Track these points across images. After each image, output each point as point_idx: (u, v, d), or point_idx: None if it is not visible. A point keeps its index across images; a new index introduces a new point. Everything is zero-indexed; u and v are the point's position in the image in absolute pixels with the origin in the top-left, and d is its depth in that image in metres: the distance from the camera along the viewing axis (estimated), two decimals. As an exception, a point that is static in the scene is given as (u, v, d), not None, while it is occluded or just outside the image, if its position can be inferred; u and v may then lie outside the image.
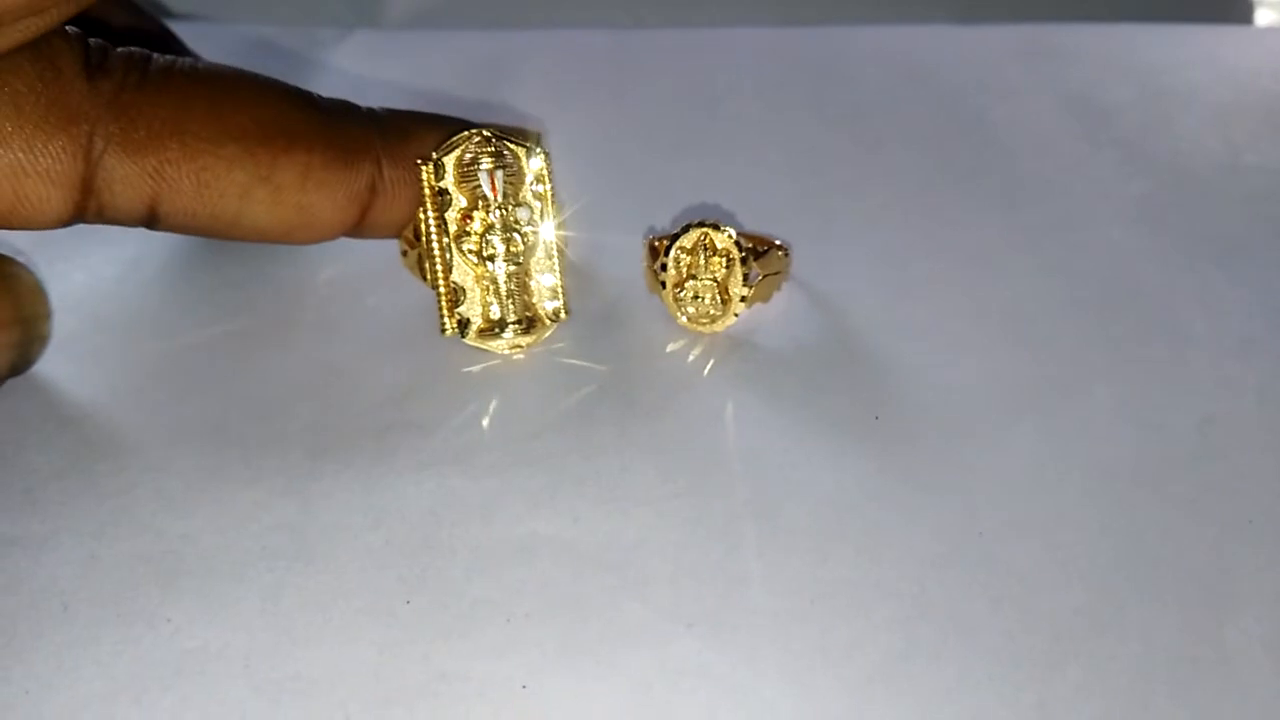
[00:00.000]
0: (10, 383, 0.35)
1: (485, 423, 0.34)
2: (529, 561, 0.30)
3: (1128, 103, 0.52)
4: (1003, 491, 0.33)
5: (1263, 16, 0.63)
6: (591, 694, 0.27)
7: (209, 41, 0.56)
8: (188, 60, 0.32)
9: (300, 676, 0.27)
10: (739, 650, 0.28)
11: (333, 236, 0.35)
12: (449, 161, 0.35)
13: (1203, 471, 0.33)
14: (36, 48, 0.29)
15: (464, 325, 0.36)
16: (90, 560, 0.30)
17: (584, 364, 0.37)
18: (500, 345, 0.37)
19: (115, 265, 0.41)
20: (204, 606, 0.29)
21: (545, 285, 0.36)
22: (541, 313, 0.37)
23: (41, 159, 0.29)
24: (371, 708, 0.27)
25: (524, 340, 0.37)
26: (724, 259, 0.36)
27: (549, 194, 0.36)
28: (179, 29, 0.56)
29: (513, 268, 0.36)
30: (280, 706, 0.27)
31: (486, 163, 0.35)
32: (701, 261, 0.36)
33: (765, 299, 0.38)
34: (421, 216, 0.35)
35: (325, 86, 0.52)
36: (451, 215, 0.35)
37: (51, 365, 0.36)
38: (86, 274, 0.41)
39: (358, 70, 0.55)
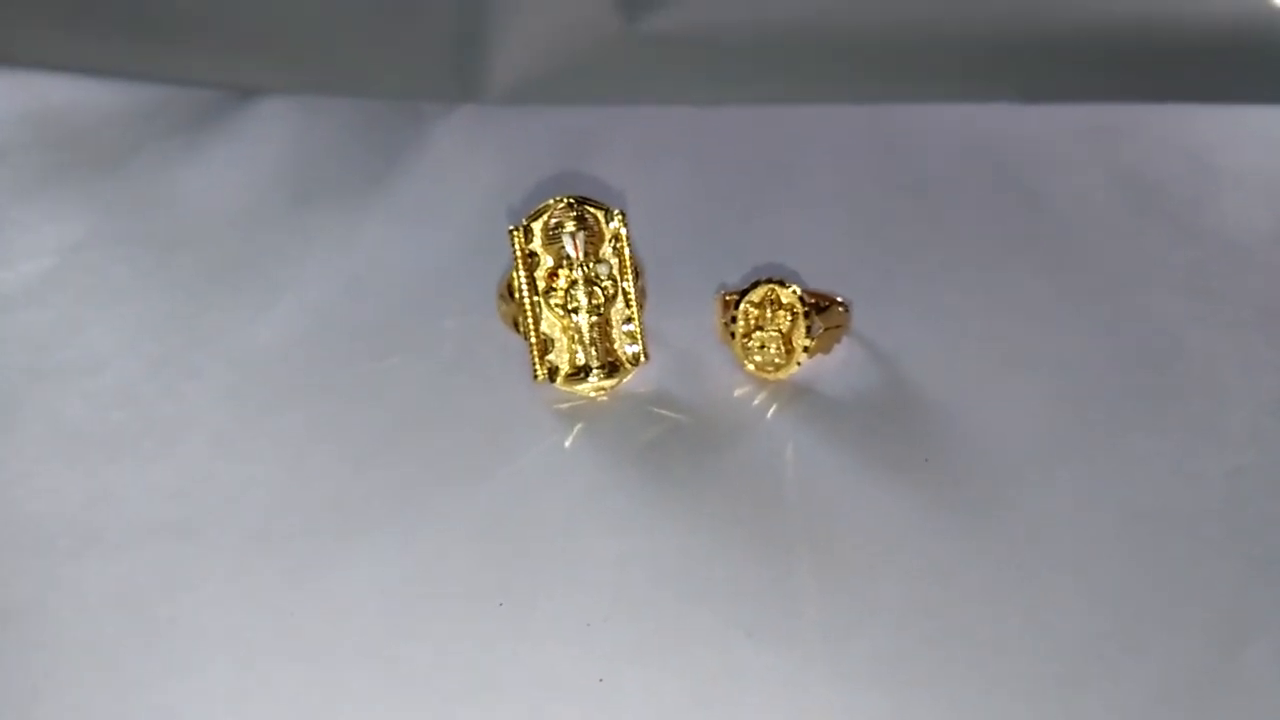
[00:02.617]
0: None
1: (571, 453, 0.39)
2: (607, 573, 0.34)
3: (1178, 178, 0.55)
4: (1041, 528, 0.35)
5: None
6: (660, 689, 0.30)
7: (320, 116, 0.62)
8: None
9: (406, 665, 0.31)
10: (792, 657, 0.31)
11: None
12: (536, 227, 0.39)
13: (1230, 516, 0.36)
14: None
15: (553, 372, 0.40)
16: (225, 554, 0.35)
17: (660, 404, 0.41)
18: (586, 388, 0.41)
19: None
20: (323, 601, 0.33)
21: (626, 332, 0.40)
22: (623, 357, 0.41)
23: None
24: (468, 693, 0.30)
25: (607, 383, 0.41)
26: (788, 313, 0.40)
27: (626, 251, 0.40)
28: (290, 104, 0.62)
29: (595, 318, 0.40)
30: (388, 690, 0.31)
31: (569, 226, 0.39)
32: (768, 315, 0.40)
33: (826, 350, 0.42)
34: (514, 276, 0.40)
35: (429, 159, 0.58)
36: (539, 274, 0.40)
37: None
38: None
39: (460, 143, 0.60)
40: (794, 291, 0.40)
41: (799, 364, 0.41)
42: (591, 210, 0.40)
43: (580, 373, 0.40)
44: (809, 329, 0.40)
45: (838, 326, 0.42)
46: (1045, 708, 0.30)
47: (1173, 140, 0.59)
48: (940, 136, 0.60)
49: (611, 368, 0.41)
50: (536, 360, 0.40)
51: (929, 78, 0.66)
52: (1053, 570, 0.34)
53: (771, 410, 0.40)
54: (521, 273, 0.40)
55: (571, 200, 0.39)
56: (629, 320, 0.40)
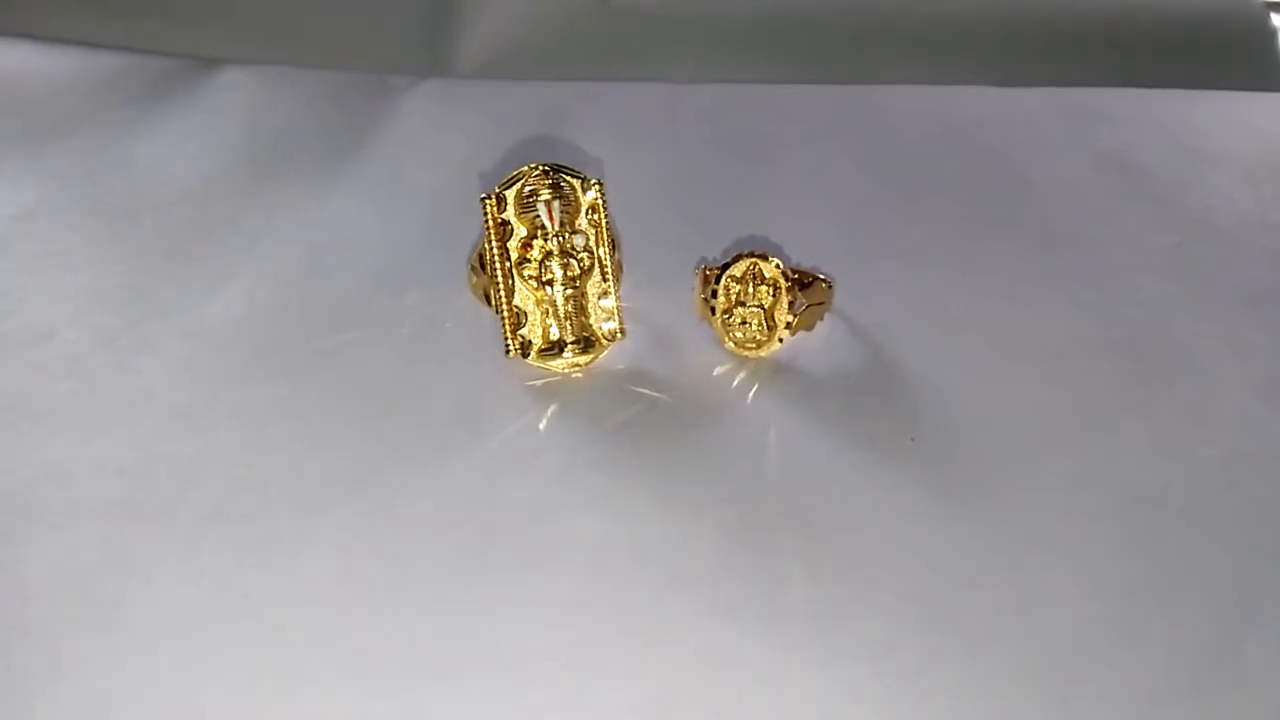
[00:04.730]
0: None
1: (545, 432, 0.37)
2: (583, 556, 0.32)
3: (1160, 162, 0.55)
4: (1032, 511, 0.34)
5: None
6: (640, 672, 0.29)
7: (283, 87, 0.60)
8: None
9: (370, 650, 0.29)
10: (775, 642, 0.30)
11: None
12: (510, 195, 0.38)
13: (1226, 501, 0.35)
14: None
15: (526, 346, 0.39)
16: (177, 534, 0.33)
17: (638, 382, 0.39)
18: (560, 364, 0.39)
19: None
20: (280, 583, 0.31)
21: (602, 307, 0.39)
22: (599, 333, 0.39)
23: None
24: (440, 675, 0.29)
25: (582, 359, 0.39)
26: (771, 288, 0.39)
27: (603, 222, 0.38)
28: (252, 74, 0.60)
29: (570, 291, 0.38)
30: (360, 673, 0.29)
31: (544, 194, 0.38)
32: (750, 289, 0.39)
33: (809, 327, 0.40)
34: (485, 246, 0.38)
35: (397, 133, 0.56)
36: (513, 244, 0.38)
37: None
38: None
39: (429, 116, 0.58)
40: (777, 265, 0.38)
41: (780, 341, 0.39)
42: (568, 179, 0.38)
43: (554, 348, 0.39)
44: (791, 304, 0.39)
45: (820, 303, 0.41)
46: (1038, 693, 0.29)
47: (1153, 125, 0.58)
48: (921, 118, 0.59)
49: (587, 343, 0.39)
50: (509, 334, 0.38)
51: (909, 59, 0.65)
52: (1044, 554, 0.33)
53: (753, 389, 0.39)
54: (494, 242, 0.38)
55: (547, 167, 0.38)
56: (605, 295, 0.39)
